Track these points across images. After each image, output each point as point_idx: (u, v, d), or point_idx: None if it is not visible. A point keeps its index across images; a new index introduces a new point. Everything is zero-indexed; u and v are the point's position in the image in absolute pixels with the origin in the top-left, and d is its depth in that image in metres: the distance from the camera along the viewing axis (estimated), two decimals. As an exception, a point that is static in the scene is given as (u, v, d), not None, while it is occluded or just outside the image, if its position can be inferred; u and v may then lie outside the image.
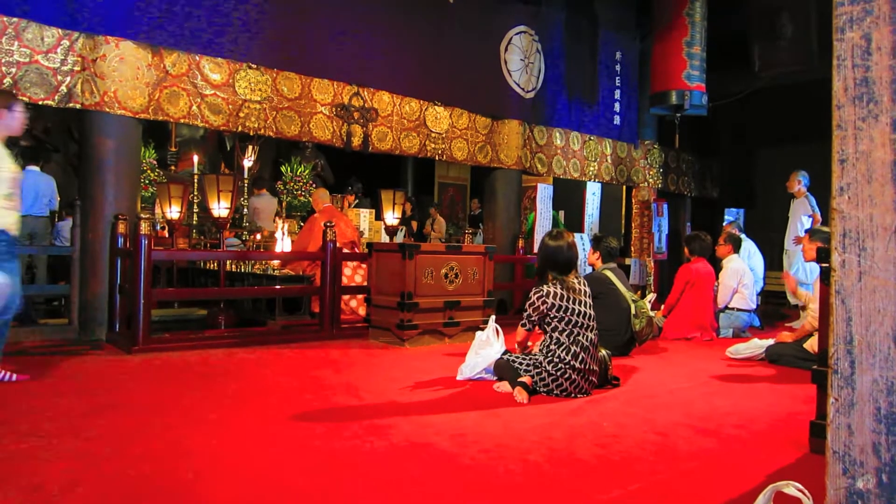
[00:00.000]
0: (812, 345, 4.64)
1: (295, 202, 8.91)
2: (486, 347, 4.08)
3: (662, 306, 6.43)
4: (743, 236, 7.52)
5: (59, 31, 4.94)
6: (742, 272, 6.49)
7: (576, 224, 9.04)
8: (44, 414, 3.04)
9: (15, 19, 4.77)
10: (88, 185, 5.28)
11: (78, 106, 5.04)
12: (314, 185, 8.88)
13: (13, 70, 4.77)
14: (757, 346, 5.15)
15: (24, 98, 4.85)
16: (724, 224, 8.78)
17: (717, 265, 6.64)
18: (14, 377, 3.72)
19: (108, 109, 5.10)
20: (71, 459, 2.43)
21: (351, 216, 8.55)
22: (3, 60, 4.73)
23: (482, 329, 4.28)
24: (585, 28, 8.56)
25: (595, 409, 3.43)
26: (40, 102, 4.90)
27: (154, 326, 5.02)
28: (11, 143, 8.28)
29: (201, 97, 5.57)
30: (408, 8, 6.77)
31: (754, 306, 6.62)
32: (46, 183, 6.69)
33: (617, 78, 8.98)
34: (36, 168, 6.70)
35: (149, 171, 8.56)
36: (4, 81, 4.72)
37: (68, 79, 4.98)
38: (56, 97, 4.94)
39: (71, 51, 4.99)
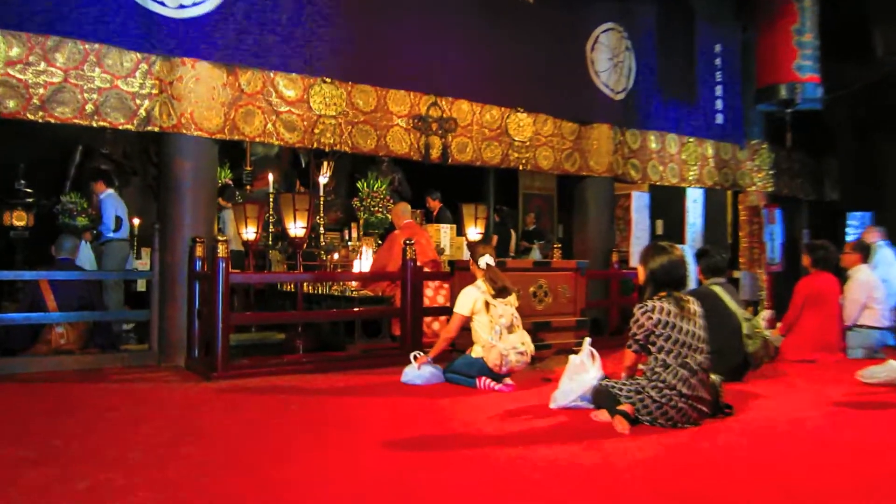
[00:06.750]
0: (962, 368, 4.30)
1: (372, 219, 9.06)
2: (581, 373, 3.98)
3: (779, 324, 6.13)
4: (882, 244, 7.06)
5: (138, 54, 5.25)
6: (872, 285, 6.10)
7: (677, 235, 8.78)
8: (128, 443, 3.18)
9: (96, 45, 5.10)
10: (167, 207, 5.58)
11: (156, 129, 5.33)
12: (391, 201, 9.00)
13: (94, 96, 5.10)
14: (894, 368, 4.81)
15: (106, 123, 5.18)
16: (861, 230, 8.30)
17: (842, 277, 6.28)
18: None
19: (185, 131, 5.37)
20: (152, 492, 2.52)
21: (430, 232, 8.61)
22: (86, 87, 5.07)
23: (576, 352, 4.20)
24: (679, 21, 8.34)
25: (706, 442, 3.29)
26: (120, 127, 5.22)
27: (232, 352, 5.20)
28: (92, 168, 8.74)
29: (276, 114, 5.78)
30: (485, 10, 6.82)
31: (889, 323, 6.20)
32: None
33: (717, 73, 8.70)
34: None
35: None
36: (87, 108, 5.06)
37: (146, 102, 5.28)
38: (135, 121, 5.25)
39: (149, 74, 5.29)
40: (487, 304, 4.64)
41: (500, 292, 4.68)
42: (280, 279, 7.37)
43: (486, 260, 4.78)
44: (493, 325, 4.57)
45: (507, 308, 4.64)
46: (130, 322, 6.92)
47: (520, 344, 4.60)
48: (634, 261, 7.94)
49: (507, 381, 4.59)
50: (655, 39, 8.09)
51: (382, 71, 6.26)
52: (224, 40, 5.50)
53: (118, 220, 6.95)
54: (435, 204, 8.97)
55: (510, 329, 4.62)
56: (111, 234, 7.00)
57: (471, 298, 4.71)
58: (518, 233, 11.58)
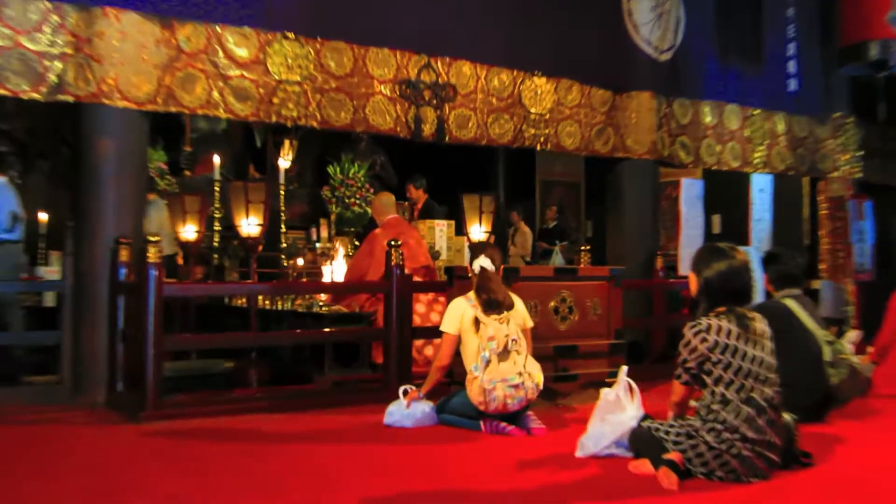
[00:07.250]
0: None
1: (347, 214, 9.05)
2: (617, 411, 3.99)
3: (871, 348, 6.14)
4: None
5: (47, 3, 5.23)
6: None
7: (739, 234, 8.81)
8: None
9: (-9, -9, 5.10)
10: (84, 199, 5.58)
11: (70, 99, 5.32)
12: (372, 191, 9.00)
13: (-8, 57, 5.09)
14: None
15: (5, 92, 5.16)
16: None
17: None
18: None
19: (106, 101, 5.36)
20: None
21: (422, 230, 8.61)
22: (-19, 45, 5.06)
23: (610, 385, 4.21)
24: (742, -41, 8.41)
25: (777, 502, 3.29)
26: (24, 96, 5.20)
27: (167, 384, 5.20)
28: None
29: (224, 80, 5.77)
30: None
31: None
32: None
33: (790, 27, 8.75)
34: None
35: (157, 179, 8.93)
36: (-20, 72, 5.05)
37: (58, 64, 5.26)
38: (43, 88, 5.22)
39: (61, 28, 5.27)
40: (478, 322, 4.55)
41: (490, 306, 4.56)
42: (229, 291, 7.36)
43: (481, 262, 4.70)
44: (482, 349, 4.48)
45: (500, 327, 4.53)
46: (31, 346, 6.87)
47: (514, 375, 4.46)
48: (685, 267, 7.95)
49: (534, 420, 4.55)
50: (711, -17, 8.16)
51: (361, 24, 6.26)
52: (158, -15, 5.50)
53: (13, 216, 6.88)
54: (419, 194, 8.88)
55: (504, 356, 4.52)
56: (4, 235, 6.94)
57: (458, 312, 4.66)
58: (535, 231, 11.59)
